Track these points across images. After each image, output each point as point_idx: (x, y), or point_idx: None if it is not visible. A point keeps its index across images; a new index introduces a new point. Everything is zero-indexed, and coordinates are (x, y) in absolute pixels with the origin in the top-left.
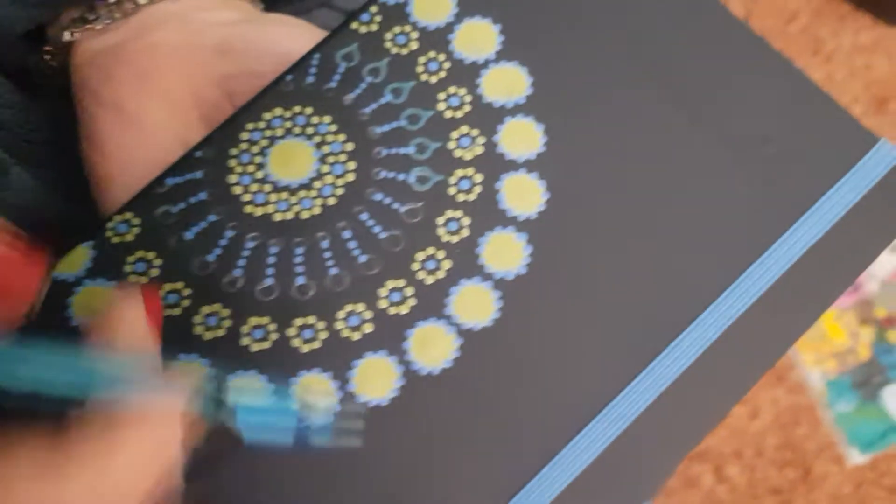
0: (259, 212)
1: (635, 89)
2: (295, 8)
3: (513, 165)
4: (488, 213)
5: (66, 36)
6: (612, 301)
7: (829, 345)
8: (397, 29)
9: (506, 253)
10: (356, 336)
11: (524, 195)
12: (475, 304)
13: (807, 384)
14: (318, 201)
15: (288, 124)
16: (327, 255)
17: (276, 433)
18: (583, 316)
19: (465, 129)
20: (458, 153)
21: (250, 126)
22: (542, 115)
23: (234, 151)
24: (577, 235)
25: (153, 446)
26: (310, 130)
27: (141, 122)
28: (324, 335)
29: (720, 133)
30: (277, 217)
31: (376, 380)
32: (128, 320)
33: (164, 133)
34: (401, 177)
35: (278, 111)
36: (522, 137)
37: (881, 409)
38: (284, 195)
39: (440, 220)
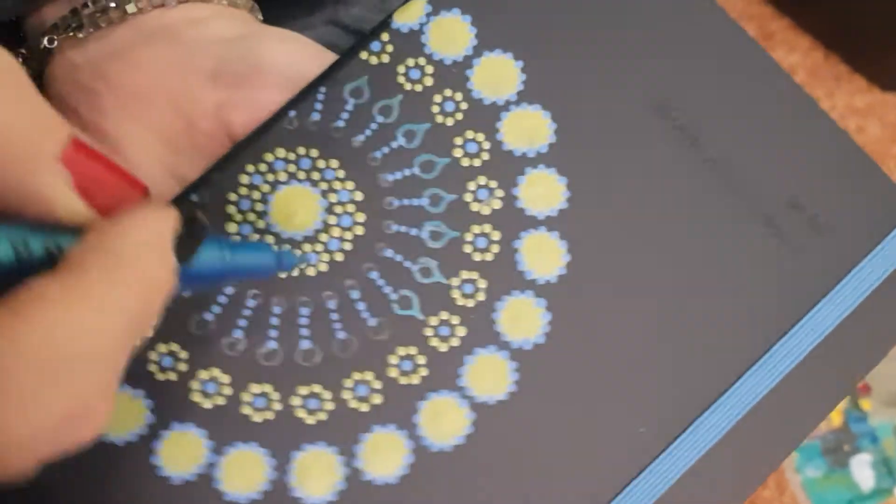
0: None
1: (665, 142)
2: (299, 24)
3: (533, 222)
4: (506, 276)
5: (45, 42)
6: (635, 375)
7: None
8: (411, 62)
9: (524, 320)
10: (364, 408)
11: (544, 256)
12: (490, 376)
13: None
14: (325, 256)
15: (292, 168)
16: (334, 316)
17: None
18: (603, 391)
19: (482, 179)
20: (474, 207)
21: (251, 168)
22: (566, 167)
23: (233, 197)
24: (597, 304)
25: (148, 287)
26: (315, 176)
27: (122, 147)
28: (330, 406)
29: (752, 195)
30: (281, 273)
31: (385, 456)
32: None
33: (147, 159)
34: (413, 231)
35: (281, 153)
36: (544, 191)
37: (849, 478)
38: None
39: (455, 282)
